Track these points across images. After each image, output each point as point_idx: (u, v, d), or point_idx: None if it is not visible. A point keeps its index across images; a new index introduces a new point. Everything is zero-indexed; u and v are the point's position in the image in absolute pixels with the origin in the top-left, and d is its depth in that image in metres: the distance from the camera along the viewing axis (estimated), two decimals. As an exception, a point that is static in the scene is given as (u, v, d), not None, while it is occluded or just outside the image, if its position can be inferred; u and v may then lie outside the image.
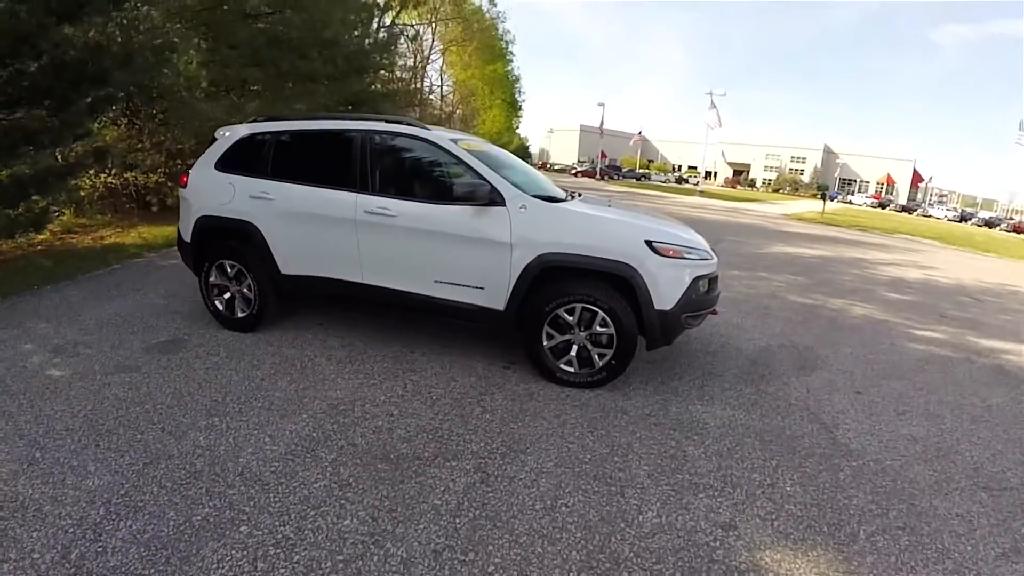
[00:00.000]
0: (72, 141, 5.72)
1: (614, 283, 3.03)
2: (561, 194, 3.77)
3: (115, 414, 2.77)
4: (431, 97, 36.71)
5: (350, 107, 15.62)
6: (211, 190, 3.81)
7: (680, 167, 75.67)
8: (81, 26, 5.17)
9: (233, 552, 1.88)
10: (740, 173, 72.30)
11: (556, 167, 60.76)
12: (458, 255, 3.22)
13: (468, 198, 3.09)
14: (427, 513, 2.12)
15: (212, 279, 3.92)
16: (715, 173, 70.10)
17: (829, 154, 70.82)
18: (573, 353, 3.17)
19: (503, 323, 3.21)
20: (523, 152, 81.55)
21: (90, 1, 4.98)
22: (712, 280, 3.31)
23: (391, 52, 17.60)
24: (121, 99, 6.67)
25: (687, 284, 3.07)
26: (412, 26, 23.61)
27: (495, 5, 32.38)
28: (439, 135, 3.36)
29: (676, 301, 3.04)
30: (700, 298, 3.17)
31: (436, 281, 3.30)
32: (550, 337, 3.18)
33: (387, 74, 27.70)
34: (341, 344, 3.74)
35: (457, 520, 2.09)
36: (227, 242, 3.77)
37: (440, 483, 2.31)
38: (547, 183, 4.02)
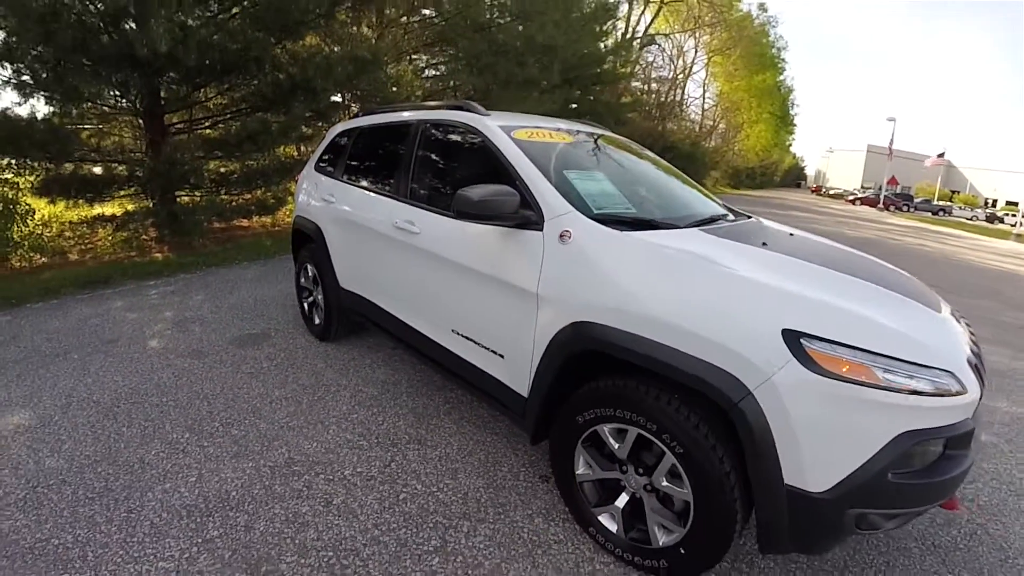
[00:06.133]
0: (291, 142, 6.56)
1: (703, 407, 1.55)
2: (699, 213, 2.35)
3: (139, 402, 2.76)
4: (690, 109, 34.57)
5: (587, 116, 15.39)
6: (306, 190, 3.67)
7: (994, 201, 55.13)
8: (296, 42, 5.83)
9: None
10: (1078, 214, 48.80)
11: (831, 192, 50.56)
12: (477, 300, 2.16)
13: (492, 215, 1.90)
14: None
15: (301, 281, 3.78)
16: (1042, 212, 49.27)
17: None
18: (621, 503, 1.80)
19: (524, 417, 2.04)
20: (796, 173, 70.54)
21: (304, 20, 5.57)
22: (960, 438, 1.46)
23: (629, 60, 16.66)
24: (347, 106, 7.46)
25: (882, 444, 1.36)
26: (667, 35, 22.18)
27: (765, 10, 28.19)
28: (486, 122, 2.35)
29: (843, 478, 1.38)
30: (914, 479, 1.42)
31: (454, 331, 2.32)
32: (587, 465, 1.87)
33: (641, 85, 27.01)
34: (384, 380, 3.10)
35: None
36: (309, 245, 3.55)
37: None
38: (693, 200, 2.59)
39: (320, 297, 3.51)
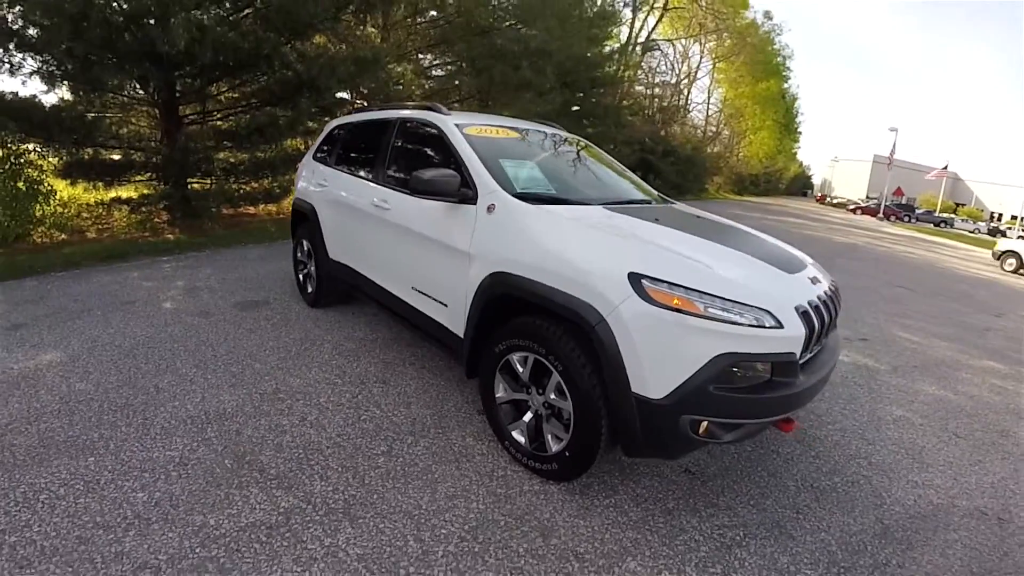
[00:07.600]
0: (297, 135, 7.08)
1: (576, 333, 2.01)
2: (617, 197, 2.91)
3: (154, 347, 3.28)
4: (692, 114, 34.95)
5: (585, 121, 15.81)
6: (305, 176, 4.20)
7: (1000, 215, 55.43)
8: (304, 42, 6.34)
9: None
10: (1086, 230, 48.75)
11: (835, 201, 50.74)
12: (429, 261, 2.69)
13: (438, 192, 2.46)
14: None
15: (298, 255, 4.30)
16: (1047, 228, 50.16)
17: None
18: (527, 419, 2.28)
19: (461, 354, 2.54)
20: (803, 181, 70.73)
21: (312, 23, 6.10)
22: (783, 367, 1.89)
23: (630, 65, 17.09)
24: (348, 102, 7.96)
25: (703, 361, 1.79)
26: (670, 40, 22.67)
27: (770, 18, 28.67)
28: (444, 120, 2.87)
29: (674, 388, 1.81)
30: (738, 395, 1.82)
31: (413, 288, 2.84)
32: (504, 389, 2.36)
33: (644, 90, 27.43)
34: (362, 337, 3.61)
35: None
36: (305, 224, 4.07)
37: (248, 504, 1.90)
38: (618, 188, 3.14)
39: (313, 268, 4.03)
